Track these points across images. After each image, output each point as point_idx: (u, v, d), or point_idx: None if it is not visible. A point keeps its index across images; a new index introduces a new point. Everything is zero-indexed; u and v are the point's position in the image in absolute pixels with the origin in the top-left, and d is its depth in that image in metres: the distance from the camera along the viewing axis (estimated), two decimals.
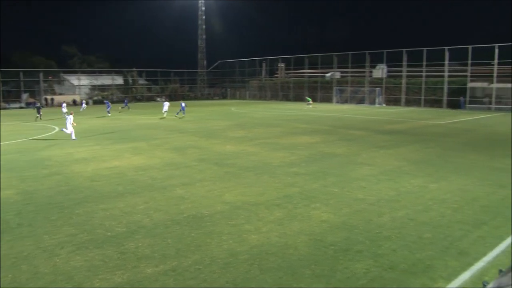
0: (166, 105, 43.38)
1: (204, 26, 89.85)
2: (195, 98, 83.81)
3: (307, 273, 7.72)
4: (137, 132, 28.95)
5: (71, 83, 74.78)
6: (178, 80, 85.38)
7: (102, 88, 76.14)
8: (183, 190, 13.54)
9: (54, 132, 30.19)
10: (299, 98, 74.28)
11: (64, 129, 26.63)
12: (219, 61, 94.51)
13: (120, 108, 51.95)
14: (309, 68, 76.70)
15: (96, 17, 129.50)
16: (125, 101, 56.51)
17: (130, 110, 51.44)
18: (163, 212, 11.31)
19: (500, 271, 1.25)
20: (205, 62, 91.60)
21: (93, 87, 75.58)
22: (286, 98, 77.48)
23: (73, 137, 25.73)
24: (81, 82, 74.24)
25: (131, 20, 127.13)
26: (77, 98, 67.65)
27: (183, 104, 42.50)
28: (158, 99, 78.29)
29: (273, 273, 7.71)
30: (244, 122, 36.01)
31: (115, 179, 15.15)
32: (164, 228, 10.01)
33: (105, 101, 49.46)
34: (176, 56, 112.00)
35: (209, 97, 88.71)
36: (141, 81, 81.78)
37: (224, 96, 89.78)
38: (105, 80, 76.74)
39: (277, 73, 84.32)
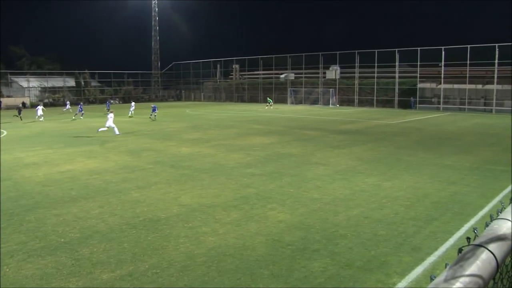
0: (133, 105, 46.96)
1: (157, 27, 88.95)
2: (150, 100, 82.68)
3: (265, 273, 7.77)
4: (91, 135, 28.27)
5: (20, 85, 72.28)
6: (132, 82, 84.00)
7: (53, 90, 73.97)
8: (138, 194, 13.35)
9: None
10: (254, 99, 74.74)
11: (101, 129, 28.60)
12: (174, 62, 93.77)
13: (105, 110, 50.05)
14: (264, 69, 77.14)
15: (46, 17, 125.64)
16: (107, 103, 55.86)
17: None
18: (119, 216, 11.11)
19: (446, 265, 1.30)
20: (159, 64, 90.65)
21: (44, 89, 73.34)
22: (241, 100, 77.65)
23: (117, 132, 28.08)
24: (31, 84, 71.97)
25: (83, 20, 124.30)
26: (27, 100, 65.44)
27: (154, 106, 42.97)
28: (112, 101, 76.91)
29: (231, 275, 7.71)
30: (199, 124, 35.83)
31: (68, 184, 14.76)
32: (119, 233, 9.84)
33: (79, 103, 48.20)
34: (130, 58, 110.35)
35: (163, 99, 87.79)
36: (94, 83, 79.99)
37: (179, 98, 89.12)
38: (56, 82, 74.58)
39: (231, 75, 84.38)
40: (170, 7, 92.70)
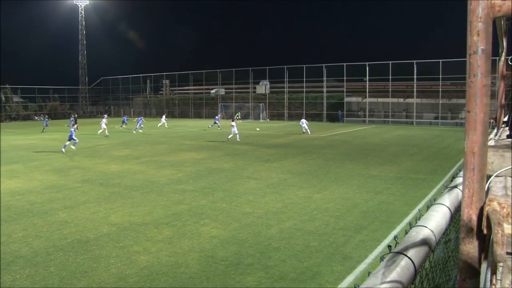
0: (163, 118, 52.15)
1: (85, 42, 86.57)
2: (77, 116, 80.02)
3: None
4: (12, 154, 26.84)
5: None
6: (58, 98, 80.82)
7: None
8: (66, 214, 12.83)
9: None
10: (185, 115, 74.35)
11: (231, 136, 33.83)
12: (102, 77, 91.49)
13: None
14: (194, 85, 77.02)
15: None
16: (124, 118, 54.37)
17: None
18: (44, 238, 10.62)
19: (369, 273, 1.38)
20: (86, 79, 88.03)
21: None
22: (172, 115, 76.88)
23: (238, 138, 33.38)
24: None
25: (2, 32, 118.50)
26: None
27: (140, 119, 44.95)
28: (36, 117, 73.60)
29: None
30: (128, 140, 35.06)
31: None
32: (45, 256, 9.40)
33: (124, 116, 50.67)
34: (55, 72, 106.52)
35: (92, 115, 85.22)
36: (16, 99, 76.15)
37: (108, 114, 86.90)
38: None
39: (161, 90, 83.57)
40: (98, 21, 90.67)
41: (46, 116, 56.10)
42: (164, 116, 54.21)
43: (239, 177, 18.35)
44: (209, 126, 46.87)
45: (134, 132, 42.71)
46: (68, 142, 27.76)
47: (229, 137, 34.08)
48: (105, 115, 52.22)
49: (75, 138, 27.96)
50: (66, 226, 11.59)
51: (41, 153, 27.39)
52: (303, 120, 42.15)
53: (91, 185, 17.10)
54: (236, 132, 34.04)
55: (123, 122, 49.43)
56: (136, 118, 47.67)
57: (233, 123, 35.46)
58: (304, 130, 40.83)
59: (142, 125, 44.50)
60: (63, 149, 27.33)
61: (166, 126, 51.33)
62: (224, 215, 12.50)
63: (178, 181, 17.76)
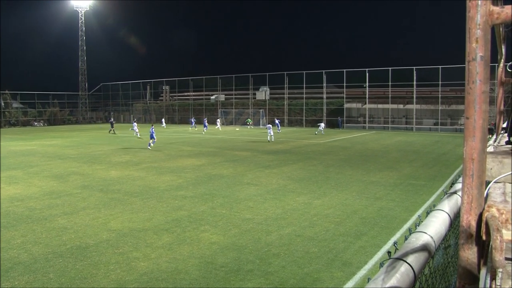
0: (218, 122, 58.70)
1: (84, 47, 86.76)
2: (77, 122, 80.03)
3: None
4: (11, 160, 26.83)
5: None
6: (58, 103, 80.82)
7: None
8: (65, 220, 12.81)
9: None
10: (185, 121, 74.29)
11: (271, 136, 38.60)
12: (102, 83, 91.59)
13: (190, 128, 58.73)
14: (194, 91, 77.13)
15: None
16: (192, 120, 61.79)
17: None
18: (44, 244, 10.60)
19: (369, 279, 1.38)
20: (86, 84, 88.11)
21: None
22: (172, 121, 76.94)
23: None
24: None
25: (2, 38, 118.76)
26: None
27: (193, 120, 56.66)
28: (36, 123, 73.59)
29: None
30: (128, 146, 35.06)
31: None
32: (45, 262, 9.38)
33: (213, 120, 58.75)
34: (55, 78, 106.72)
35: (91, 121, 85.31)
36: (16, 104, 76.14)
37: (108, 120, 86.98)
38: None
39: (161, 96, 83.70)
40: (98, 27, 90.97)
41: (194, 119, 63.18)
42: (219, 121, 60.02)
43: (239, 183, 18.34)
44: (278, 131, 48.90)
45: (203, 133, 49.61)
46: (151, 140, 33.30)
47: (270, 139, 38.33)
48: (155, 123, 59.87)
49: (154, 137, 33.55)
50: (65, 232, 11.57)
51: (41, 158, 27.37)
52: (322, 124, 49.20)
53: (91, 191, 17.08)
54: (271, 133, 38.77)
55: (192, 124, 58.66)
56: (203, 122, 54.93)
57: (269, 125, 39.85)
58: (321, 132, 47.21)
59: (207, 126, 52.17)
60: (149, 147, 32.70)
61: (220, 129, 55.69)
62: (224, 221, 12.48)
63: (178, 187, 17.75)
